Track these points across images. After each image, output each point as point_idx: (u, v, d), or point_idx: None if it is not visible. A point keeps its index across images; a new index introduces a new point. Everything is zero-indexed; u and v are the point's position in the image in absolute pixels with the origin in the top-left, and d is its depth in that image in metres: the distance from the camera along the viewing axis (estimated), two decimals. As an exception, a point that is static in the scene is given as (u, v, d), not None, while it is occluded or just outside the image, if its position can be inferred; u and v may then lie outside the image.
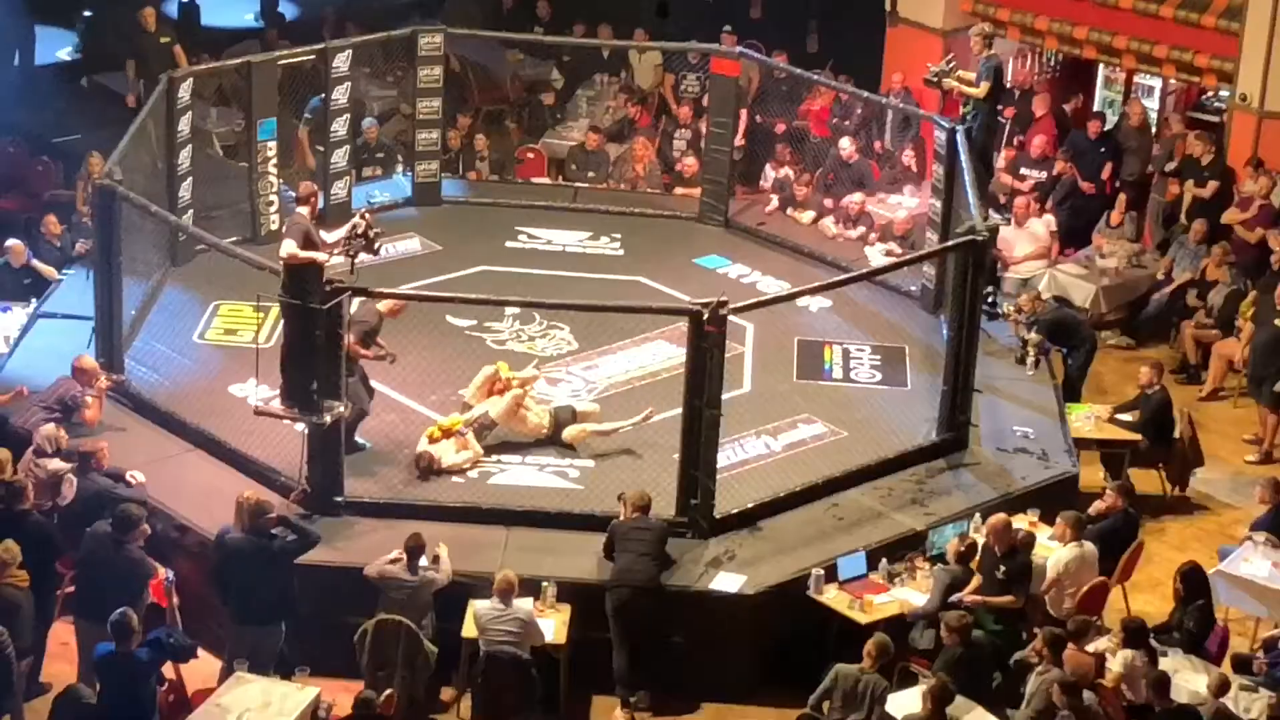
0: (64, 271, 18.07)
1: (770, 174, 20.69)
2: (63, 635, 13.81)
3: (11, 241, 18.25)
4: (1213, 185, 19.72)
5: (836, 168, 20.47)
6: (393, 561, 13.53)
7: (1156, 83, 21.98)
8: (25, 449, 14.66)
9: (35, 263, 18.02)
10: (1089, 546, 14.44)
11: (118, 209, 15.80)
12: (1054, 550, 14.50)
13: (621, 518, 13.99)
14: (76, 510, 13.98)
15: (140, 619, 12.66)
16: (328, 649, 13.30)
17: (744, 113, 20.73)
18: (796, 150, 20.92)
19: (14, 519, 13.44)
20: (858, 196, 19.81)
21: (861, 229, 19.57)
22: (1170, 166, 20.27)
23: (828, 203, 20.08)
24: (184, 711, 12.61)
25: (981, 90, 18.36)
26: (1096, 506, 15.15)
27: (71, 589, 13.82)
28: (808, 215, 19.96)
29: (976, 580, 13.91)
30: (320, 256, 14.10)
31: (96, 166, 17.75)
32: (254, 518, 13.38)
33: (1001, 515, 14.15)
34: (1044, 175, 20.47)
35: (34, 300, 17.62)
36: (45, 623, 13.60)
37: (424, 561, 13.54)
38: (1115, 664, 13.21)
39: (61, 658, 13.73)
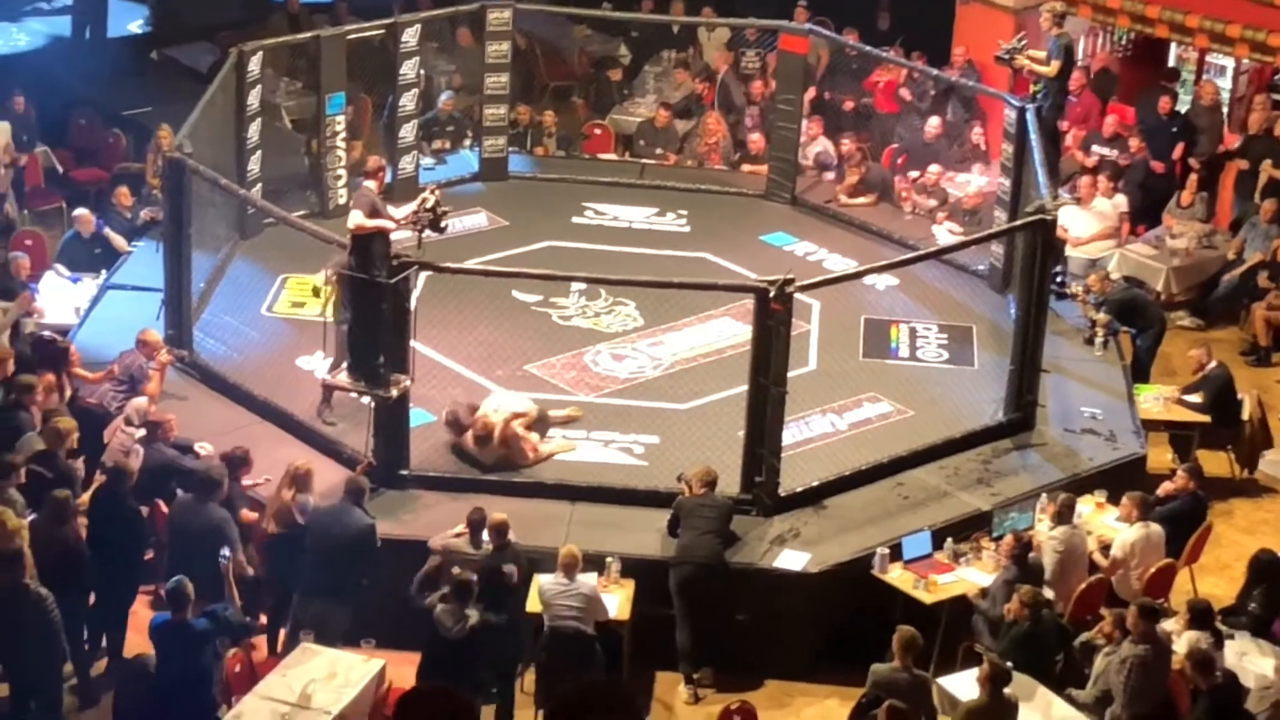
0: (134, 243, 18.18)
1: (811, 151, 20.57)
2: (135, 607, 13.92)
3: (80, 211, 18.37)
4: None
5: (911, 146, 20.39)
6: (457, 535, 13.57)
7: (1229, 62, 21.78)
8: (92, 421, 14.80)
9: (108, 231, 18.12)
10: (1155, 527, 14.36)
11: (187, 181, 15.89)
12: (1120, 531, 14.45)
13: (686, 494, 13.99)
14: (143, 481, 14.05)
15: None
16: (394, 621, 13.33)
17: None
18: (863, 129, 20.85)
19: (114, 500, 13.52)
20: (935, 168, 19.72)
21: (935, 201, 19.45)
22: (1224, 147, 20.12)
23: (896, 180, 19.99)
24: (251, 682, 12.68)
25: (1053, 69, 18.27)
26: (1165, 488, 15.06)
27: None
28: (865, 199, 19.80)
29: None
30: (388, 225, 14.15)
31: (166, 139, 17.84)
32: (350, 494, 13.48)
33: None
34: (1115, 153, 20.31)
35: (104, 271, 17.73)
36: (126, 601, 13.66)
37: (486, 535, 13.57)
38: (1181, 646, 13.13)
39: (134, 629, 13.82)
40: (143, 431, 14.46)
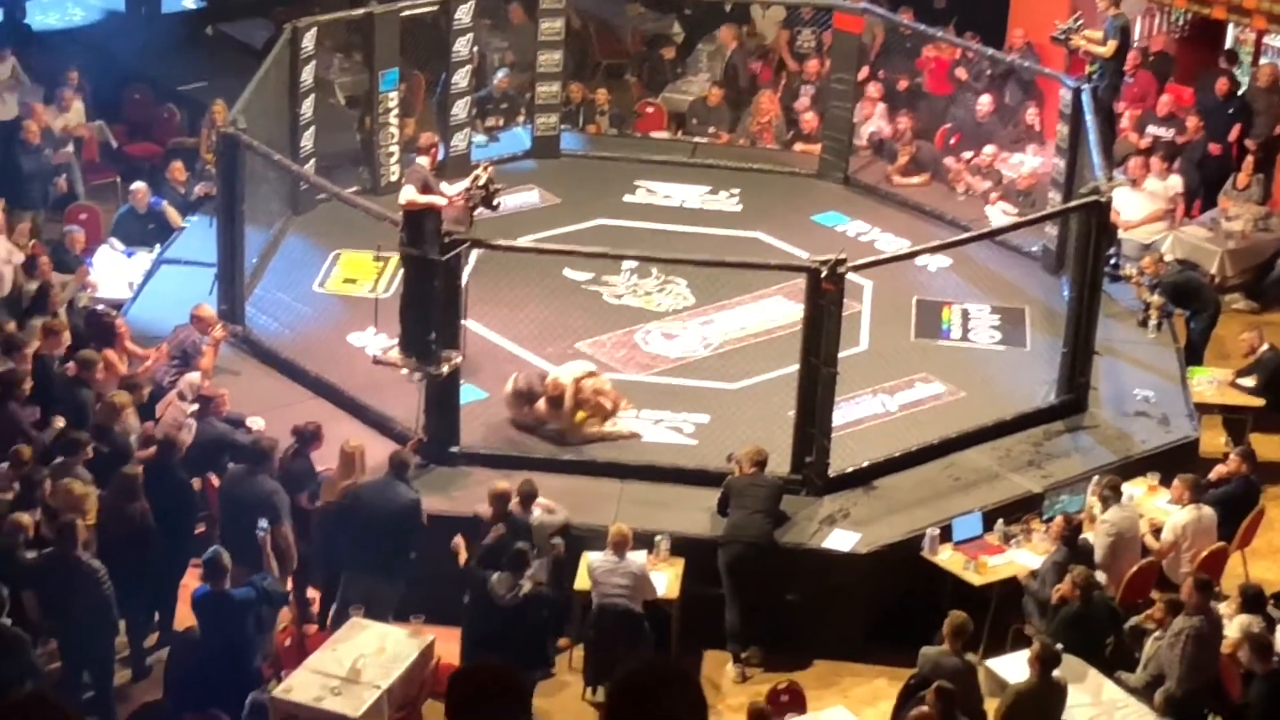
0: (187, 218, 18.24)
1: (865, 131, 20.48)
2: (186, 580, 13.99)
3: (136, 185, 18.45)
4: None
5: (963, 127, 20.29)
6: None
7: (1287, 43, 21.64)
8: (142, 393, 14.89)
9: (164, 206, 18.18)
10: (1207, 510, 14.29)
11: (241, 157, 15.93)
12: (1171, 514, 14.38)
13: (736, 473, 13.98)
14: (194, 455, 14.12)
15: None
16: (442, 597, 13.36)
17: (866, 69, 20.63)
18: (910, 108, 20.74)
19: (163, 472, 13.57)
20: (990, 149, 19.61)
21: (989, 183, 19.36)
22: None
23: (949, 161, 19.90)
24: (300, 656, 12.73)
25: (1109, 49, 18.19)
26: (1218, 471, 14.98)
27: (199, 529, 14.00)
28: (918, 179, 19.71)
29: None
30: (439, 201, 14.15)
31: (221, 114, 17.89)
32: (394, 468, 13.50)
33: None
34: (1171, 133, 20.19)
35: (158, 246, 17.79)
36: (177, 574, 13.72)
37: (536, 511, 13.59)
38: (1232, 630, 13.06)
39: (184, 602, 13.87)
40: (195, 406, 14.53)
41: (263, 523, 13.24)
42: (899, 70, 21.31)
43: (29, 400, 14.58)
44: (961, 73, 21.12)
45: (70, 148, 19.45)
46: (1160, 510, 14.59)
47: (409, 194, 14.10)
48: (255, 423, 14.64)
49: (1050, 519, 14.20)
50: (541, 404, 14.93)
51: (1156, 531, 14.32)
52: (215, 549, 12.54)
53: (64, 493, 13.04)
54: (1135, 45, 20.78)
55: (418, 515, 13.43)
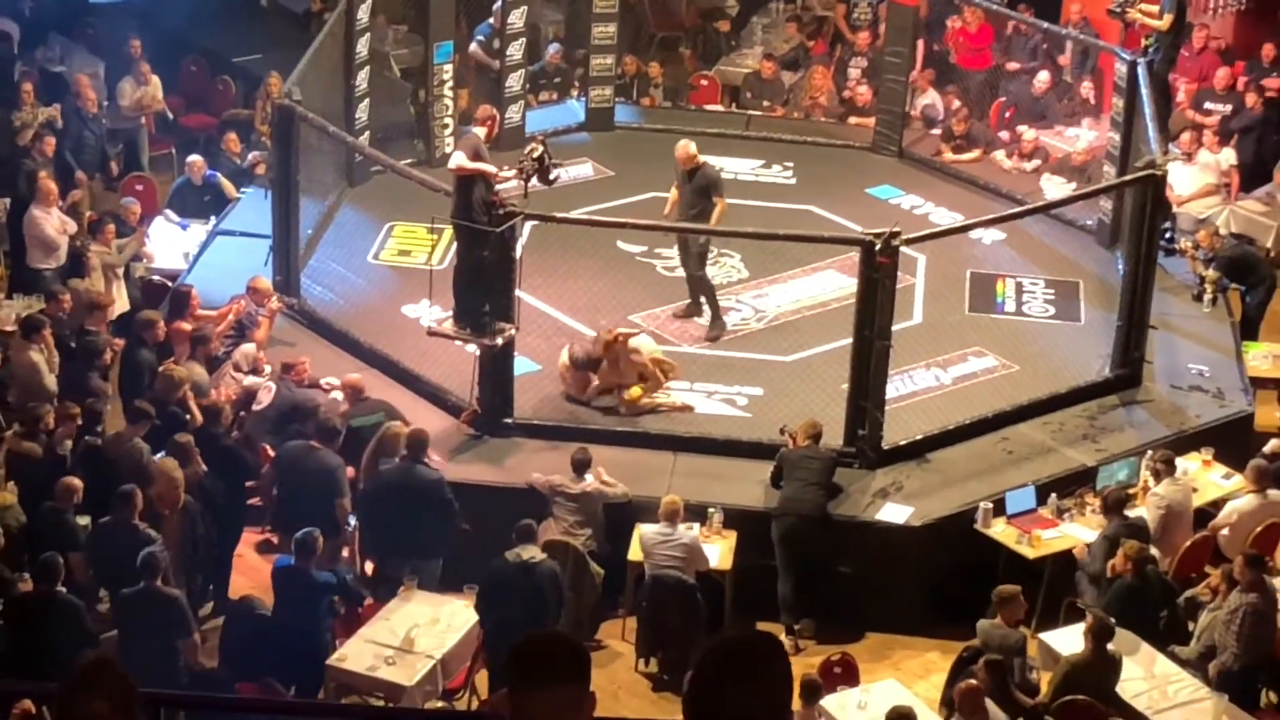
0: (241, 189, 18.28)
1: (918, 103, 20.37)
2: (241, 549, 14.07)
3: (193, 157, 18.50)
4: None
5: (1018, 100, 20.18)
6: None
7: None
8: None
9: (220, 178, 18.24)
10: (1274, 494, 14.13)
11: (296, 129, 15.97)
12: (1227, 490, 14.32)
13: (790, 446, 13.98)
14: (271, 417, 14.22)
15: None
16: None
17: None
18: (959, 83, 20.60)
19: (209, 441, 13.65)
20: (1031, 133, 19.50)
21: (1037, 162, 19.27)
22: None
23: (1004, 135, 19.82)
24: (355, 625, 12.80)
25: (1165, 23, 18.07)
26: (1272, 446, 14.90)
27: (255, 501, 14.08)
28: (970, 155, 19.59)
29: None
30: (488, 168, 14.13)
31: (276, 86, 17.94)
32: (411, 449, 13.52)
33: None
34: (1229, 109, 20.04)
35: (213, 218, 17.86)
36: (231, 543, 13.81)
37: (589, 478, 13.62)
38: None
39: (238, 571, 13.97)
40: (251, 378, 14.63)
41: (352, 519, 13.34)
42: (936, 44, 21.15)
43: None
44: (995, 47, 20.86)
45: (142, 120, 19.56)
46: (1214, 485, 14.53)
47: (459, 159, 14.10)
48: (330, 383, 14.70)
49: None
50: (604, 369, 14.89)
51: (1214, 506, 14.25)
52: (311, 530, 12.59)
53: (160, 475, 13.07)
54: (1199, 24, 20.62)
55: (443, 492, 13.46)
